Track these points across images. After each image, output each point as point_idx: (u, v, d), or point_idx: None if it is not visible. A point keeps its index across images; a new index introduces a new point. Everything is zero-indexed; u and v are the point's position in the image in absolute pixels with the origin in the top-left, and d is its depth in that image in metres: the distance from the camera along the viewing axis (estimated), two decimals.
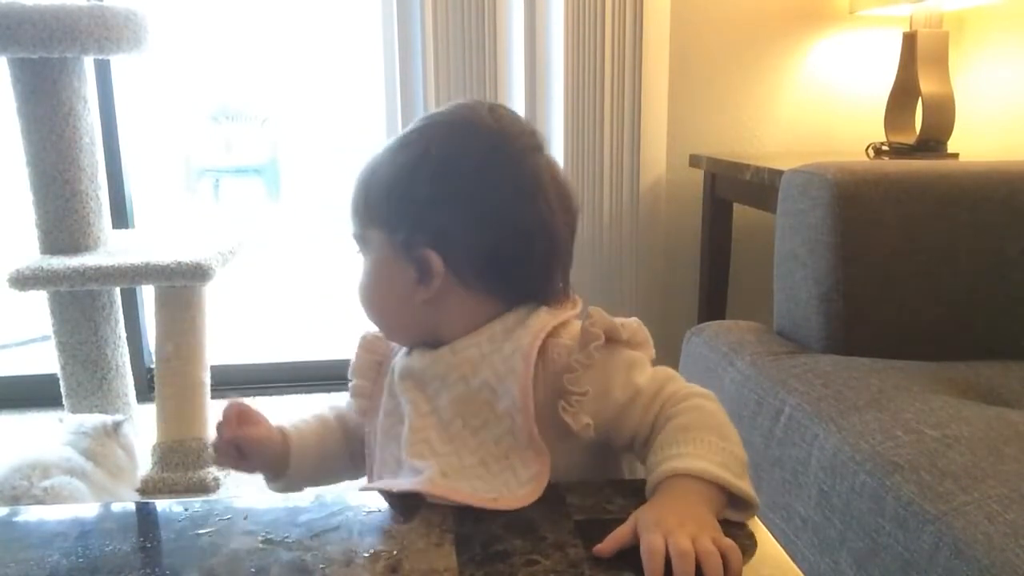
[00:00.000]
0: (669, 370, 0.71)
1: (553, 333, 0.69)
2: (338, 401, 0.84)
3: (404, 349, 0.75)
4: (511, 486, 0.66)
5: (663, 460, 0.62)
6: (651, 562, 0.54)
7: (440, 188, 0.69)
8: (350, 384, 0.78)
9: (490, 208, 0.69)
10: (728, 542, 0.55)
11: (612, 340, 0.69)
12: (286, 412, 0.82)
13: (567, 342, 0.69)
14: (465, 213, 0.69)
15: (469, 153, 0.70)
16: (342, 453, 0.81)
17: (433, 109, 1.93)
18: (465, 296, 0.70)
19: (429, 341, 0.72)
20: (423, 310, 0.71)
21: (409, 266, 0.70)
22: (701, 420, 0.65)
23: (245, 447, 0.75)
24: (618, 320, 0.70)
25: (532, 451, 0.67)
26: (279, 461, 0.78)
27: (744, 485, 0.61)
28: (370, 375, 0.77)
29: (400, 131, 0.76)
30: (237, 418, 0.76)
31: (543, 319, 0.69)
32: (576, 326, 0.70)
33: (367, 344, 0.78)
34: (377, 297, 0.74)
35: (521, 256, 0.70)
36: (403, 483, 0.67)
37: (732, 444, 0.64)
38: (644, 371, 0.70)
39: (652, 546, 0.54)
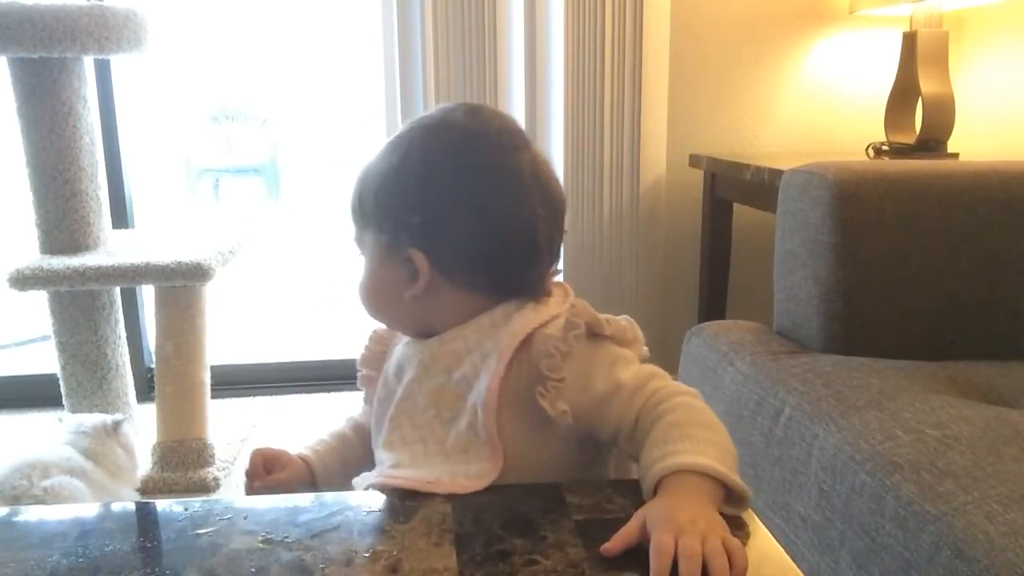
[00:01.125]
0: (655, 368, 0.72)
1: (541, 325, 0.71)
2: (353, 411, 0.88)
3: (404, 340, 0.78)
4: (457, 477, 0.68)
5: (662, 457, 0.63)
6: (659, 560, 0.54)
7: (419, 188, 0.71)
8: (359, 375, 0.82)
9: (467, 206, 0.71)
10: (736, 542, 0.56)
11: (596, 334, 0.71)
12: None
13: (553, 332, 0.70)
14: (444, 212, 0.71)
15: (445, 153, 0.72)
16: (364, 460, 0.83)
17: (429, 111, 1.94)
18: (452, 292, 0.73)
19: (426, 333, 0.75)
20: (415, 306, 0.74)
21: (399, 265, 0.73)
22: (692, 417, 0.66)
23: (275, 490, 0.79)
24: (604, 316, 0.72)
25: (489, 448, 0.69)
26: (308, 488, 0.82)
27: (739, 480, 0.62)
28: (377, 365, 0.81)
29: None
30: (263, 465, 0.80)
31: (527, 318, 0.71)
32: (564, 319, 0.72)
33: (376, 337, 0.82)
34: (373, 296, 0.77)
35: (501, 252, 0.72)
36: (364, 480, 0.72)
37: (724, 439, 0.65)
38: (628, 367, 0.71)
39: (662, 544, 0.54)
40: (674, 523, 0.56)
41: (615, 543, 0.57)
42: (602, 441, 0.72)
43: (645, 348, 0.74)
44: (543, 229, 0.72)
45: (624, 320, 0.73)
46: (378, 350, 0.81)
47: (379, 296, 0.76)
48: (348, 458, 0.84)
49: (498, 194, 0.71)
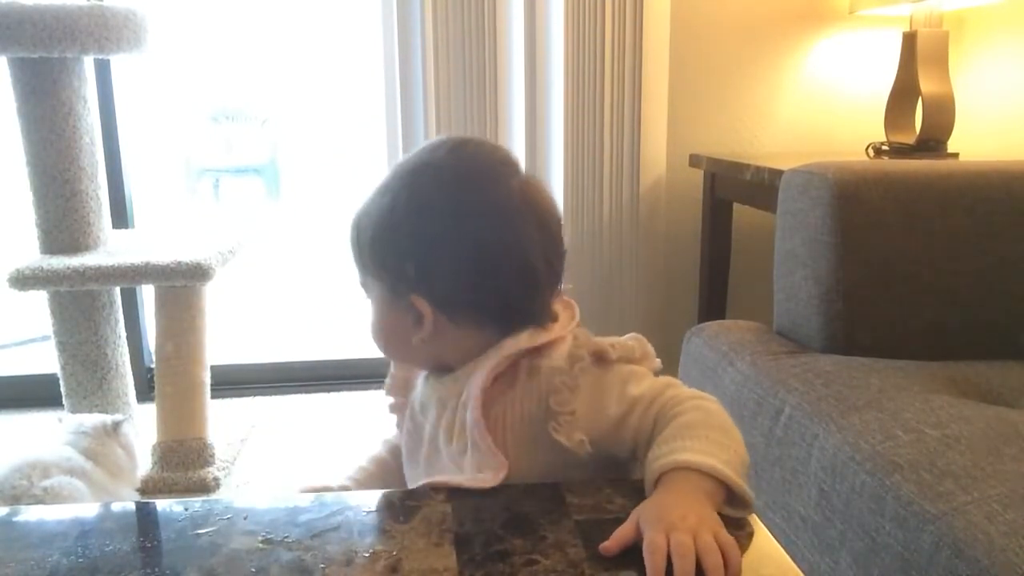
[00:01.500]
0: (670, 378, 0.72)
1: (542, 354, 0.71)
2: (387, 433, 0.88)
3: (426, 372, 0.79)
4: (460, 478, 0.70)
5: (667, 453, 0.63)
6: (653, 559, 0.54)
7: (411, 236, 0.71)
8: (388, 403, 0.82)
9: (461, 247, 0.70)
10: (728, 538, 0.56)
11: (603, 360, 0.70)
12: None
13: (560, 364, 0.70)
14: (439, 256, 0.71)
15: (431, 196, 0.71)
16: (404, 482, 0.83)
17: (432, 111, 1.94)
18: (458, 332, 0.72)
19: (444, 367, 0.76)
20: (424, 347, 0.74)
21: (403, 312, 0.73)
22: (705, 418, 0.66)
23: None
24: (608, 340, 0.71)
25: (496, 460, 0.69)
26: None
27: (742, 483, 0.62)
28: (404, 391, 0.81)
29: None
30: None
31: (520, 342, 0.71)
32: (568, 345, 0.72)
33: (399, 364, 0.82)
34: (383, 340, 0.77)
35: (499, 288, 0.71)
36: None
37: (736, 443, 0.65)
38: (641, 382, 0.71)
39: (654, 543, 0.55)
40: (665, 521, 0.56)
41: (612, 543, 0.57)
42: (622, 459, 0.72)
43: (657, 361, 0.74)
44: (540, 254, 0.71)
45: (631, 339, 0.73)
46: (403, 376, 0.81)
47: (389, 340, 0.77)
48: (388, 482, 0.84)
49: (490, 230, 0.70)
